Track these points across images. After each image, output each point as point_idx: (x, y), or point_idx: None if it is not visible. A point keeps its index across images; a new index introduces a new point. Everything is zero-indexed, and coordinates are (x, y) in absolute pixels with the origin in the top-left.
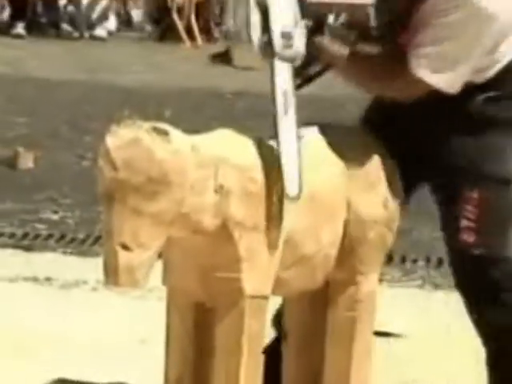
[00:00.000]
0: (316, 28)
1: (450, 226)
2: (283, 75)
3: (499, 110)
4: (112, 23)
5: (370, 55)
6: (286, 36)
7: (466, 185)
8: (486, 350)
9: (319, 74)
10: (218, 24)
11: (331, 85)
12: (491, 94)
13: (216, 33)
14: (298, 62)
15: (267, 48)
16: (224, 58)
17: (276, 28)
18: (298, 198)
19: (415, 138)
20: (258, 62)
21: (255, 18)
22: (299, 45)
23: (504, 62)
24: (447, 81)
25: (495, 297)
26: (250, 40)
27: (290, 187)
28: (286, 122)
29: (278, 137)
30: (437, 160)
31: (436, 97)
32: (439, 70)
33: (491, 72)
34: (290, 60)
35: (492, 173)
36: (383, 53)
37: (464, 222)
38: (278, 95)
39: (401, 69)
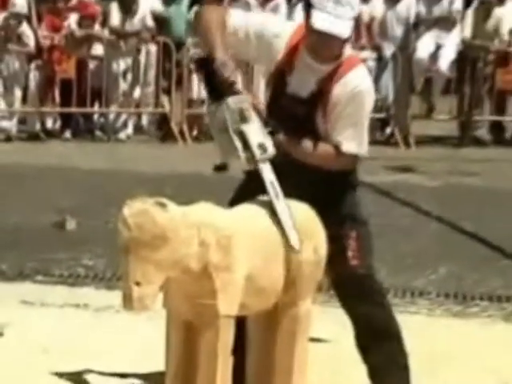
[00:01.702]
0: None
1: (340, 256)
2: (266, 172)
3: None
4: (130, 130)
5: (303, 142)
6: (261, 146)
7: (348, 227)
8: (356, 331)
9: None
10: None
11: None
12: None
13: (202, 137)
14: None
15: (251, 159)
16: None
17: (253, 144)
18: (300, 249)
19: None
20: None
21: (237, 143)
22: (271, 149)
23: None
24: (364, 148)
25: (369, 296)
26: (238, 157)
27: (294, 244)
28: (278, 201)
29: (276, 211)
30: (328, 214)
31: (325, 174)
32: (360, 143)
33: None
34: (268, 160)
35: (360, 218)
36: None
37: (350, 253)
38: (268, 185)
39: (328, 149)
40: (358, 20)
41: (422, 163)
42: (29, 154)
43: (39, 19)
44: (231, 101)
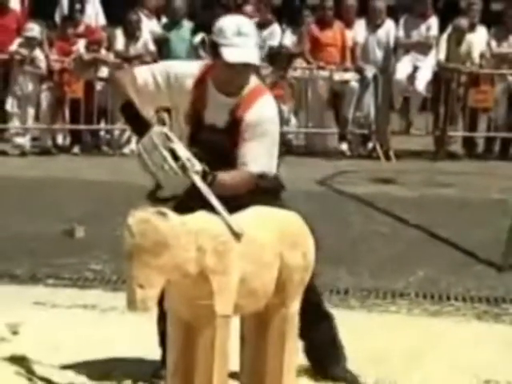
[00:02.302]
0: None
1: None
2: (197, 180)
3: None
4: (134, 145)
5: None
6: (190, 160)
7: None
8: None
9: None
10: None
11: None
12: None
13: None
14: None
15: (184, 169)
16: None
17: (183, 157)
18: (242, 234)
19: None
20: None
21: (168, 157)
22: (198, 164)
23: None
24: (271, 167)
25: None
26: (171, 170)
27: (238, 229)
28: (211, 197)
29: (213, 205)
30: None
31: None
32: (266, 164)
33: None
34: (197, 172)
35: None
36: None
37: None
38: (201, 187)
39: (238, 173)
40: (343, 44)
41: (401, 175)
42: (41, 168)
43: (50, 44)
44: (156, 128)
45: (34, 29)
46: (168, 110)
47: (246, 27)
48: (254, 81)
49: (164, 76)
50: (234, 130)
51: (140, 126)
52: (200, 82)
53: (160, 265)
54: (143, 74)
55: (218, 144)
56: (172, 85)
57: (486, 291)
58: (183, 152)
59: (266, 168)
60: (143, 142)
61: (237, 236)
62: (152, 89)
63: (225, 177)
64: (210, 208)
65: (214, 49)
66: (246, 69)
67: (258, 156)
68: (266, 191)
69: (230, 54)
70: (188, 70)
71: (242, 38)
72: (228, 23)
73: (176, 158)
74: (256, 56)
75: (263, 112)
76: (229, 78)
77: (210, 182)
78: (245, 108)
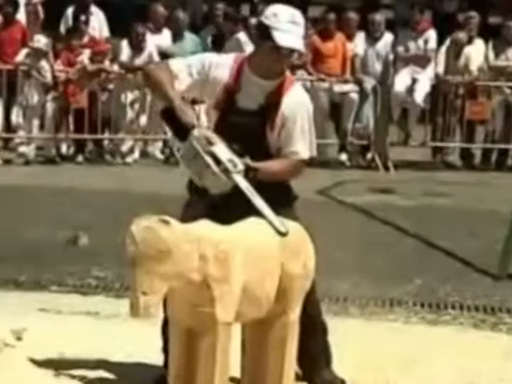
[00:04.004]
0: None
1: None
2: (240, 180)
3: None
4: (137, 155)
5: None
6: (231, 161)
7: None
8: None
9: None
10: None
11: None
12: None
13: None
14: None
15: (226, 172)
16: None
17: (224, 160)
18: (287, 233)
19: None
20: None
21: (210, 161)
22: (240, 164)
23: None
24: (313, 151)
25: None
26: (213, 173)
27: (281, 228)
28: (255, 198)
29: (257, 208)
30: None
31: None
32: (311, 148)
33: None
34: (239, 172)
35: None
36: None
37: None
38: (244, 190)
39: (287, 162)
40: (344, 56)
41: (400, 185)
42: (45, 177)
43: (55, 55)
44: (196, 132)
45: (41, 40)
46: (193, 102)
47: (299, 17)
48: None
49: (199, 67)
50: (267, 114)
51: (180, 129)
52: (235, 70)
53: (163, 272)
54: (178, 65)
55: (248, 126)
56: (207, 74)
57: (483, 300)
58: (224, 153)
59: (311, 152)
60: (184, 153)
61: (282, 235)
62: (187, 81)
63: (272, 166)
64: (250, 207)
65: (263, 31)
66: (290, 55)
67: (304, 144)
68: (282, 199)
69: (283, 38)
70: (223, 59)
71: (294, 26)
72: (283, 10)
73: (218, 160)
74: (302, 45)
75: (303, 97)
76: (273, 61)
77: (252, 177)
78: (283, 92)
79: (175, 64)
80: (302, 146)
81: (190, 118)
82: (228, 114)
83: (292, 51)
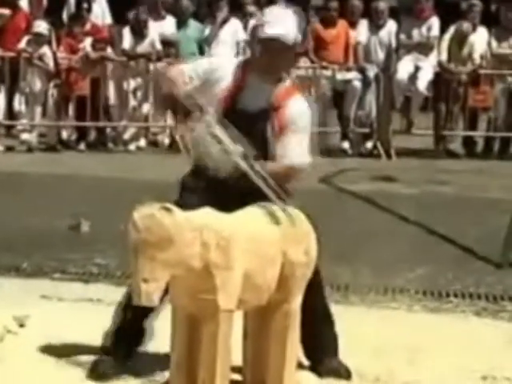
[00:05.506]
0: None
1: None
2: (242, 162)
3: None
4: (143, 142)
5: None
6: (234, 144)
7: None
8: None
9: None
10: None
11: None
12: None
13: None
14: None
15: (228, 153)
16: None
17: (226, 141)
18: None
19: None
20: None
21: (215, 142)
22: (238, 147)
23: None
24: (308, 158)
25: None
26: (219, 153)
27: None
28: (257, 178)
29: (258, 185)
30: None
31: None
32: (307, 155)
33: None
34: (241, 154)
35: None
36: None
37: None
38: (247, 170)
39: (284, 168)
40: (346, 43)
41: (402, 173)
42: (47, 164)
43: (58, 43)
44: (201, 115)
45: (42, 25)
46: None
47: (286, 13)
48: (288, 80)
49: (204, 68)
50: (267, 117)
51: (181, 112)
52: (239, 71)
53: (165, 259)
54: (187, 69)
55: (248, 128)
56: (210, 77)
57: (485, 288)
58: (226, 137)
59: (306, 160)
60: (188, 136)
61: (275, 203)
62: (195, 81)
63: (272, 167)
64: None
65: (254, 34)
66: (282, 48)
67: (299, 149)
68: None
69: (265, 29)
70: (226, 61)
71: (278, 19)
72: (269, 10)
73: (219, 142)
74: (290, 37)
75: (303, 106)
76: (266, 57)
77: (251, 165)
78: (284, 97)
79: (186, 68)
80: (298, 154)
81: (196, 101)
82: (229, 114)
83: (283, 47)
